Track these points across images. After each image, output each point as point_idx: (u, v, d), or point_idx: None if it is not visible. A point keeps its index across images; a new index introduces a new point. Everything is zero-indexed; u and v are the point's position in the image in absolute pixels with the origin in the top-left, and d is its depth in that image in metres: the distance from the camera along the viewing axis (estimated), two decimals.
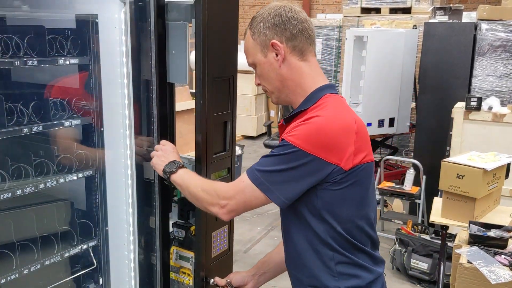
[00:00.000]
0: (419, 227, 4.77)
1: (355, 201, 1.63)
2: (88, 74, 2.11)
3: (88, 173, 2.15)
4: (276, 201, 1.59)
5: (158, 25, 1.95)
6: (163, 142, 1.99)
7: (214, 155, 2.05)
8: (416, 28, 6.58)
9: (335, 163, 1.53)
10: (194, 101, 6.76)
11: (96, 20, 2.06)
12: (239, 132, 9.37)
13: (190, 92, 8.36)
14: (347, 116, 1.60)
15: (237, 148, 6.95)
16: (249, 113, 9.55)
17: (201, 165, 1.98)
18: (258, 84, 1.76)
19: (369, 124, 6.32)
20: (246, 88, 9.28)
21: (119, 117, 2.10)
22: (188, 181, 1.79)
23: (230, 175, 2.15)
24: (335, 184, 1.57)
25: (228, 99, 2.07)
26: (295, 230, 1.69)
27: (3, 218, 1.96)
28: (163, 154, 1.91)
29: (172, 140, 2.11)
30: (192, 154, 6.38)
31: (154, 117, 2.02)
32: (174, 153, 1.93)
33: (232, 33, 2.06)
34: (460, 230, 3.19)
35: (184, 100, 7.46)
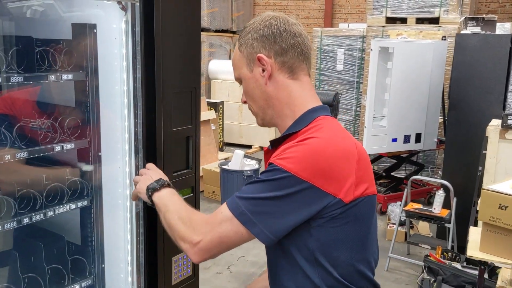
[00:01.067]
0: (449, 254, 4.41)
1: (355, 242, 1.39)
2: (85, 91, 1.85)
3: (82, 203, 1.89)
4: (260, 237, 1.31)
5: (145, 34, 1.69)
6: (148, 165, 1.71)
7: (174, 173, 1.82)
8: (445, 39, 6.23)
9: (333, 194, 1.30)
10: (210, 112, 6.52)
11: (95, 30, 1.80)
12: (256, 143, 9.08)
13: (207, 102, 8.13)
14: (348, 140, 1.39)
15: (253, 161, 6.67)
16: None
17: None
18: (244, 102, 1.55)
19: (394, 140, 5.99)
20: None
21: (118, 141, 1.83)
22: (168, 204, 1.50)
23: (194, 195, 1.94)
24: (333, 220, 1.32)
25: (190, 112, 1.85)
26: (284, 273, 1.42)
27: None
28: (146, 177, 1.61)
29: (162, 161, 1.82)
30: (207, 167, 6.08)
31: (139, 134, 1.75)
32: (159, 172, 1.64)
33: (193, 41, 1.82)
34: (503, 267, 2.84)
35: (201, 111, 7.23)
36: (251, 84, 1.48)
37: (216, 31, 10.10)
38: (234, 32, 10.71)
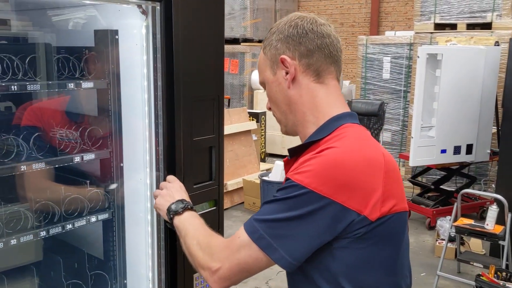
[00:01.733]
0: (504, 273, 4.09)
1: (383, 265, 1.25)
2: (108, 99, 1.79)
3: (103, 216, 1.81)
4: (280, 263, 1.19)
5: (166, 39, 1.60)
6: (169, 178, 1.62)
7: (195, 185, 1.70)
8: (498, 45, 5.90)
9: (357, 210, 1.16)
10: (251, 122, 6.45)
11: (117, 37, 1.74)
12: None
13: (250, 112, 8.07)
14: (373, 149, 1.26)
15: None
16: None
17: None
18: (269, 108, 1.46)
19: (443, 151, 5.70)
20: None
21: (139, 151, 1.75)
22: (188, 228, 1.42)
23: (218, 208, 1.82)
24: (358, 240, 1.19)
25: (213, 122, 1.73)
26: None
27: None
28: (168, 193, 1.54)
29: (182, 172, 1.71)
30: (247, 178, 5.98)
31: (160, 144, 1.65)
32: (181, 192, 1.55)
33: (216, 47, 1.72)
34: None
35: (242, 121, 7.18)
36: (274, 87, 1.39)
37: (260, 41, 10.07)
38: None
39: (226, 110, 7.29)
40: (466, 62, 5.53)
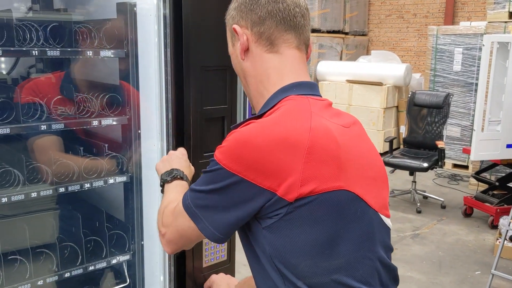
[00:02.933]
0: None
1: (316, 249, 1.16)
2: (127, 69, 1.90)
3: (121, 179, 1.93)
4: (204, 232, 1.22)
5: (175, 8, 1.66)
6: (180, 150, 1.67)
7: (206, 153, 1.73)
8: None
9: (271, 189, 1.12)
10: None
11: (135, 9, 1.84)
12: None
13: None
14: (298, 125, 1.15)
15: None
16: (376, 128, 8.88)
17: None
18: None
19: (509, 146, 5.37)
20: (373, 101, 8.65)
21: (154, 118, 1.84)
22: (165, 195, 1.47)
23: None
24: (282, 221, 1.14)
25: (225, 92, 1.74)
26: (257, 277, 1.28)
27: (16, 222, 1.82)
28: (168, 159, 1.60)
29: (190, 141, 1.76)
30: None
31: (169, 111, 1.72)
32: (180, 160, 1.59)
33: None
34: None
35: None
36: (234, 60, 1.35)
37: (327, 32, 9.97)
38: (346, 33, 10.48)
39: None
40: None
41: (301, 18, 1.28)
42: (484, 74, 5.17)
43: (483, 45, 5.16)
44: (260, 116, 1.24)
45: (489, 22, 6.96)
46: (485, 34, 7.23)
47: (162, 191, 1.53)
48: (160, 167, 1.59)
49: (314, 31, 9.75)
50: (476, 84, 7.72)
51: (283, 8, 1.26)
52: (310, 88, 1.28)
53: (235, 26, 1.29)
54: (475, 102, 7.80)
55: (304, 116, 1.18)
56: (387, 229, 1.31)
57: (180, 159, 1.60)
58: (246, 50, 1.29)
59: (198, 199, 1.22)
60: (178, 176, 1.52)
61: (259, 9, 1.26)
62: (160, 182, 1.55)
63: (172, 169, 1.54)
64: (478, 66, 7.60)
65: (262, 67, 1.28)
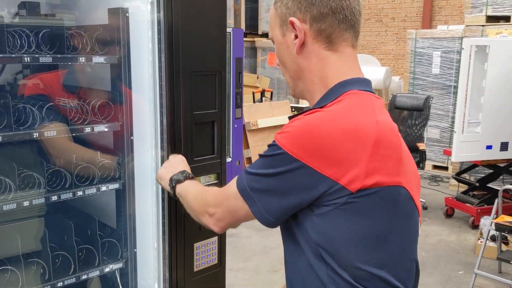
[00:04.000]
0: None
1: (367, 242, 1.17)
2: (119, 74, 1.88)
3: (113, 186, 1.91)
4: (258, 215, 1.21)
5: (167, 15, 1.67)
6: (172, 156, 1.71)
7: (197, 157, 1.76)
8: None
9: (334, 179, 1.11)
10: (293, 114, 6.44)
11: (127, 14, 1.83)
12: None
13: (294, 106, 8.07)
14: (366, 118, 1.16)
15: None
16: None
17: None
18: (279, 66, 1.36)
19: (489, 147, 5.48)
20: None
21: (147, 124, 1.82)
22: (188, 190, 1.50)
23: (220, 182, 1.86)
24: (338, 210, 1.14)
25: (214, 96, 1.77)
26: (295, 265, 1.27)
27: (8, 230, 1.78)
28: (170, 165, 1.63)
29: (181, 145, 1.77)
30: None
31: (163, 116, 1.73)
32: (183, 164, 1.65)
33: (217, 23, 1.75)
34: None
35: (284, 114, 7.20)
36: (283, 50, 1.29)
37: None
38: None
39: (267, 103, 7.35)
40: None
41: (359, 15, 1.26)
42: (463, 77, 5.28)
43: (463, 48, 5.26)
44: (321, 107, 1.20)
45: (466, 25, 7.10)
46: (463, 37, 7.37)
47: (173, 194, 1.56)
48: (164, 173, 1.61)
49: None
50: (455, 87, 7.87)
51: (346, 5, 1.22)
52: (367, 85, 1.27)
53: (293, 19, 1.22)
54: (453, 104, 7.94)
55: (369, 110, 1.18)
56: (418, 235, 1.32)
57: (182, 163, 1.65)
58: (302, 45, 1.24)
59: (255, 181, 1.21)
60: (190, 176, 1.56)
61: (322, 5, 1.20)
62: (171, 184, 1.56)
63: (181, 171, 1.57)
64: (456, 69, 7.75)
65: (320, 64, 1.25)
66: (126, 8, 1.82)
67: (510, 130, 5.47)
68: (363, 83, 1.26)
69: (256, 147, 6.72)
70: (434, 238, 5.53)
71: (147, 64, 1.77)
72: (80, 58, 1.74)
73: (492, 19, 6.91)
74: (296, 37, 1.23)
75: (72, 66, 1.89)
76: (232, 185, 1.27)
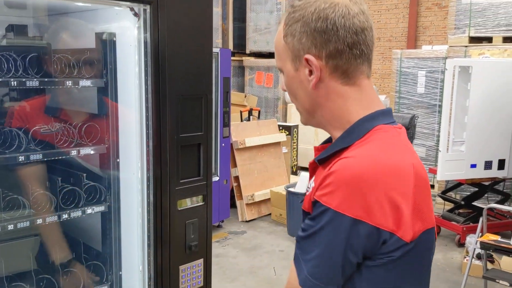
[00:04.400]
0: None
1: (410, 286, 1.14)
2: (104, 98, 1.89)
3: (99, 209, 1.91)
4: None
5: (154, 40, 1.69)
6: None
7: (182, 179, 1.76)
8: None
9: (390, 230, 1.04)
10: (281, 134, 6.49)
11: (114, 39, 1.85)
12: None
13: (282, 125, 8.12)
14: (401, 156, 1.10)
15: None
16: None
17: (161, 190, 1.71)
18: (285, 90, 1.28)
19: (473, 166, 5.56)
20: None
21: (133, 147, 1.84)
22: None
23: (206, 204, 1.87)
24: (391, 262, 1.08)
25: (201, 119, 1.80)
26: None
27: None
28: None
29: (167, 167, 1.79)
30: (275, 189, 6.00)
31: (150, 139, 1.74)
32: None
33: (204, 48, 1.79)
34: None
35: (272, 133, 7.24)
36: (295, 84, 1.21)
37: None
38: None
39: (255, 122, 7.38)
40: (498, 75, 5.41)
41: (373, 45, 1.21)
42: (447, 97, 5.37)
43: (446, 69, 5.36)
44: (347, 147, 1.14)
45: (450, 46, 7.24)
46: (446, 57, 7.52)
47: None
48: None
49: None
50: (439, 106, 7.99)
51: (362, 40, 1.16)
52: (390, 116, 1.22)
53: (308, 56, 1.15)
54: (438, 123, 8.05)
55: (403, 147, 1.15)
56: None
57: None
58: (317, 81, 1.18)
59: (318, 267, 1.10)
60: None
61: (338, 41, 1.14)
62: None
63: None
64: (441, 88, 7.88)
65: (340, 100, 1.19)
66: (113, 32, 1.85)
67: (494, 149, 5.55)
68: (387, 115, 1.21)
69: (244, 165, 6.73)
70: None
71: (134, 87, 1.79)
72: (67, 82, 1.75)
73: (475, 40, 7.06)
74: (310, 72, 1.17)
75: (59, 89, 1.90)
76: (294, 282, 1.15)
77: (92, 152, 1.85)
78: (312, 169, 1.26)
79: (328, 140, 1.29)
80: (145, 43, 1.71)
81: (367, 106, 1.20)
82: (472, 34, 7.00)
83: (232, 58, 9.89)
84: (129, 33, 1.75)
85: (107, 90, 1.87)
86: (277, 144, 7.23)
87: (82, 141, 1.85)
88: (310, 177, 1.26)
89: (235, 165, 6.62)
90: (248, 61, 10.29)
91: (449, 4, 7.44)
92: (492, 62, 5.71)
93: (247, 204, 6.60)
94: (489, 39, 6.95)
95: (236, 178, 6.65)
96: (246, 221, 6.53)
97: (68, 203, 1.85)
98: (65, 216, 1.79)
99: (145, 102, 1.75)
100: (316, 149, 1.26)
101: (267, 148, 7.09)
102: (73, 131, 1.82)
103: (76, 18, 1.89)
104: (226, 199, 6.30)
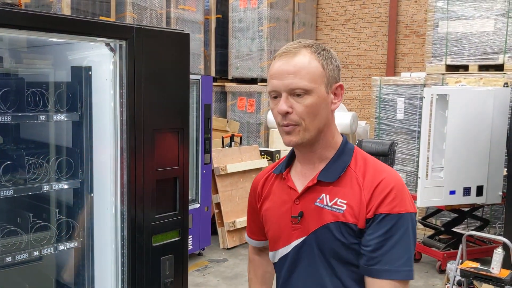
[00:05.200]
0: None
1: None
2: (81, 131, 1.87)
3: (72, 245, 1.87)
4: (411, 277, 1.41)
5: (129, 75, 1.69)
6: None
7: (158, 215, 1.73)
8: (507, 86, 5.87)
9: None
10: (262, 160, 6.48)
11: (90, 73, 1.84)
12: None
13: (264, 150, 8.13)
14: None
15: None
16: None
17: (136, 226, 1.66)
18: (287, 113, 1.41)
19: (452, 192, 5.61)
20: None
21: (107, 182, 1.81)
22: None
23: (182, 240, 1.82)
24: None
25: (177, 153, 1.78)
26: None
27: None
28: None
29: (142, 203, 1.76)
30: None
31: (124, 174, 1.72)
32: None
33: (180, 82, 1.81)
34: None
35: (253, 159, 7.24)
36: (322, 104, 1.44)
37: None
38: None
39: (237, 148, 7.38)
40: (474, 103, 5.51)
41: None
42: (425, 124, 5.44)
43: (424, 97, 5.45)
44: (349, 165, 1.47)
45: (428, 74, 7.38)
46: (425, 84, 7.65)
47: None
48: None
49: (264, 80, 10.02)
50: (419, 132, 8.09)
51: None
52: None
53: (342, 84, 1.49)
54: (418, 149, 8.13)
55: None
56: None
57: None
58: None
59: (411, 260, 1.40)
60: None
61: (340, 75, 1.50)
62: None
63: None
64: (420, 115, 7.99)
65: (334, 123, 1.51)
66: (89, 66, 1.84)
67: (472, 175, 5.62)
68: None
69: (225, 192, 6.70)
70: None
71: (109, 120, 1.77)
72: (41, 117, 1.73)
73: (452, 68, 7.21)
74: (335, 96, 1.47)
75: (33, 123, 1.88)
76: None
77: (65, 186, 1.81)
78: (310, 187, 1.47)
79: (288, 158, 1.57)
80: (121, 77, 1.71)
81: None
82: (449, 62, 7.15)
83: (215, 83, 9.93)
84: (105, 68, 1.75)
85: (82, 124, 1.85)
86: (259, 170, 7.22)
87: (55, 175, 1.81)
88: (314, 197, 1.46)
89: (216, 192, 6.58)
90: (231, 86, 10.34)
91: (426, 33, 7.61)
92: (468, 90, 5.83)
93: (228, 231, 6.54)
94: (465, 67, 7.10)
95: (218, 205, 6.60)
96: (228, 249, 6.46)
97: (39, 239, 1.80)
98: (36, 253, 1.74)
99: (120, 135, 1.73)
100: (314, 184, 1.47)
101: (249, 174, 7.08)
102: (46, 165, 1.78)
103: (52, 51, 1.87)
104: (207, 226, 6.23)
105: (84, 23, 1.60)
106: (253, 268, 1.72)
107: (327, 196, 1.43)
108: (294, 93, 1.39)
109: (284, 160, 1.58)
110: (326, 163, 1.47)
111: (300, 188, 1.48)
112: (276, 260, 1.53)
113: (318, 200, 1.43)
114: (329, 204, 1.42)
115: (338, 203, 1.41)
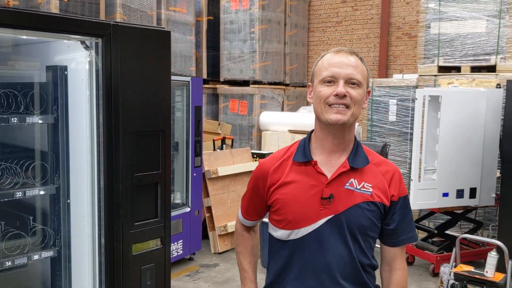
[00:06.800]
0: None
1: None
2: (56, 133, 1.78)
3: (47, 254, 1.77)
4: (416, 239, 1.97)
5: (106, 75, 1.59)
6: None
7: (137, 222, 1.65)
8: (500, 87, 5.82)
9: None
10: (254, 162, 6.42)
11: (66, 72, 1.75)
12: None
13: (256, 153, 8.04)
14: None
15: None
16: None
17: (114, 233, 1.57)
18: (344, 96, 1.67)
19: (445, 195, 5.55)
20: None
21: (84, 187, 1.72)
22: None
23: (164, 247, 1.73)
24: None
25: (158, 157, 1.70)
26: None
27: None
28: None
29: (121, 209, 1.68)
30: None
31: (101, 180, 1.63)
32: None
33: (161, 83, 1.71)
34: None
35: (245, 162, 7.15)
36: (363, 98, 1.74)
37: (269, 83, 10.15)
38: (287, 85, 10.72)
39: (228, 151, 7.29)
40: (467, 104, 5.46)
41: None
42: (418, 126, 5.39)
43: (416, 98, 5.40)
44: (362, 149, 1.82)
45: (420, 75, 7.33)
46: (417, 86, 7.61)
47: None
48: None
49: (256, 82, 9.94)
50: (411, 134, 8.03)
51: None
52: None
53: (370, 90, 1.77)
54: (411, 151, 8.08)
55: None
56: None
57: None
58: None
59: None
60: None
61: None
62: None
63: None
64: (412, 117, 7.93)
65: None
66: (65, 66, 1.75)
67: (465, 177, 5.57)
68: None
69: (216, 195, 6.61)
70: None
71: (85, 123, 1.68)
72: (13, 119, 1.63)
73: (444, 69, 7.17)
74: (366, 98, 1.76)
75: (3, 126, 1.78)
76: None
77: (41, 192, 1.72)
78: (342, 173, 1.74)
79: (305, 148, 1.80)
80: (97, 76, 1.62)
81: None
82: (441, 64, 7.10)
83: (206, 86, 9.83)
84: (81, 67, 1.66)
85: (58, 127, 1.76)
86: (251, 173, 7.13)
87: (29, 181, 1.72)
88: (343, 181, 1.74)
89: (207, 195, 6.48)
90: (222, 88, 10.26)
91: (418, 34, 7.57)
92: (461, 92, 5.78)
93: (219, 235, 6.45)
94: (457, 69, 7.06)
95: (209, 209, 6.51)
96: (219, 253, 6.37)
97: (12, 248, 1.71)
98: (8, 263, 1.65)
99: (97, 138, 1.64)
100: (345, 172, 1.75)
101: (241, 177, 6.98)
102: (19, 170, 1.69)
103: (26, 50, 1.78)
104: (198, 231, 6.14)
105: (57, 20, 1.51)
106: (243, 243, 1.99)
107: (355, 180, 1.72)
108: (351, 81, 1.68)
109: (302, 150, 1.78)
110: (348, 153, 1.75)
111: (328, 174, 1.72)
112: (297, 236, 1.73)
113: (348, 184, 1.72)
114: (358, 187, 1.71)
115: (365, 186, 1.72)
